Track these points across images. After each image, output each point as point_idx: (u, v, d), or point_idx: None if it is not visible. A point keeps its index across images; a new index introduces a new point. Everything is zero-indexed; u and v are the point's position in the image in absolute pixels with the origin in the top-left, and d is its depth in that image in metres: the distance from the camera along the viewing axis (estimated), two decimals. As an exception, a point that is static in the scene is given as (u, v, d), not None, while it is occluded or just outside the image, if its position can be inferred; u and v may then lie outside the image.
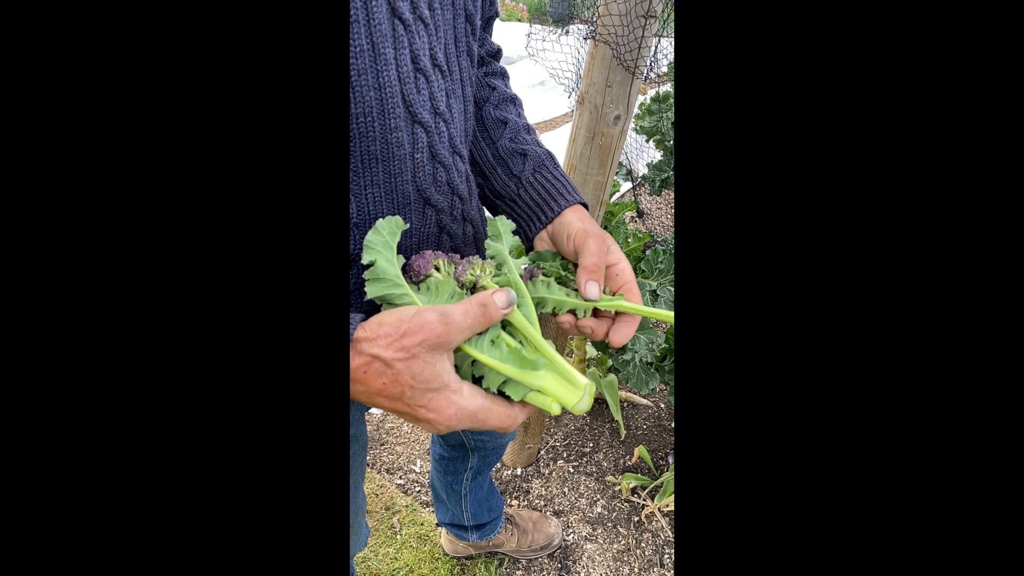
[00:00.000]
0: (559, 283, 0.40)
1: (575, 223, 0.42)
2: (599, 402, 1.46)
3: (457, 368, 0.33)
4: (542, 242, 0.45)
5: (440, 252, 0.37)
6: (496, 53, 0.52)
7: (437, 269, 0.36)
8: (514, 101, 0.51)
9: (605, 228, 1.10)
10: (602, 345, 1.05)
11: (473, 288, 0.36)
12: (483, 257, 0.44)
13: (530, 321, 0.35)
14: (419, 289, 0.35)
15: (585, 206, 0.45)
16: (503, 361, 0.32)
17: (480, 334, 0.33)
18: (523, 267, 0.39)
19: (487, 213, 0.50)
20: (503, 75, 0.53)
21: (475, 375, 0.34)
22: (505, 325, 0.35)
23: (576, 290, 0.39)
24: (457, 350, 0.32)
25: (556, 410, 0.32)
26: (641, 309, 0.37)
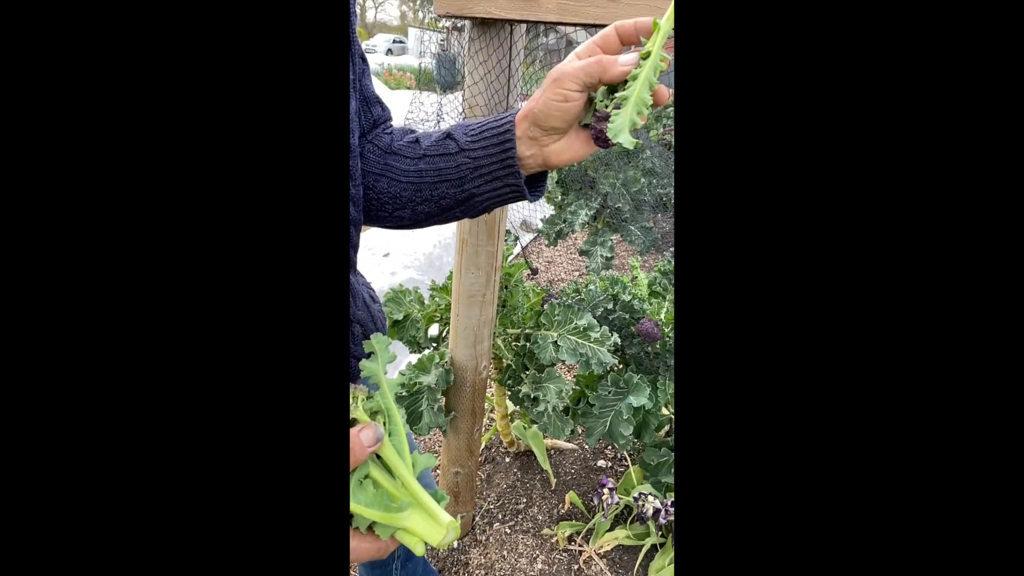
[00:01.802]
0: None
1: (538, 96, 0.43)
2: (528, 454, 1.48)
3: None
4: (534, 144, 0.45)
5: None
6: (383, 118, 0.54)
7: None
8: (412, 131, 0.53)
9: (504, 288, 1.18)
10: (516, 399, 1.09)
11: None
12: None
13: (400, 452, 0.35)
14: None
15: (513, 116, 0.46)
16: (369, 506, 0.32)
17: None
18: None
19: (372, 316, 0.50)
20: (392, 121, 0.55)
21: None
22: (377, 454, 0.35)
23: None
24: None
25: (420, 550, 0.33)
26: None
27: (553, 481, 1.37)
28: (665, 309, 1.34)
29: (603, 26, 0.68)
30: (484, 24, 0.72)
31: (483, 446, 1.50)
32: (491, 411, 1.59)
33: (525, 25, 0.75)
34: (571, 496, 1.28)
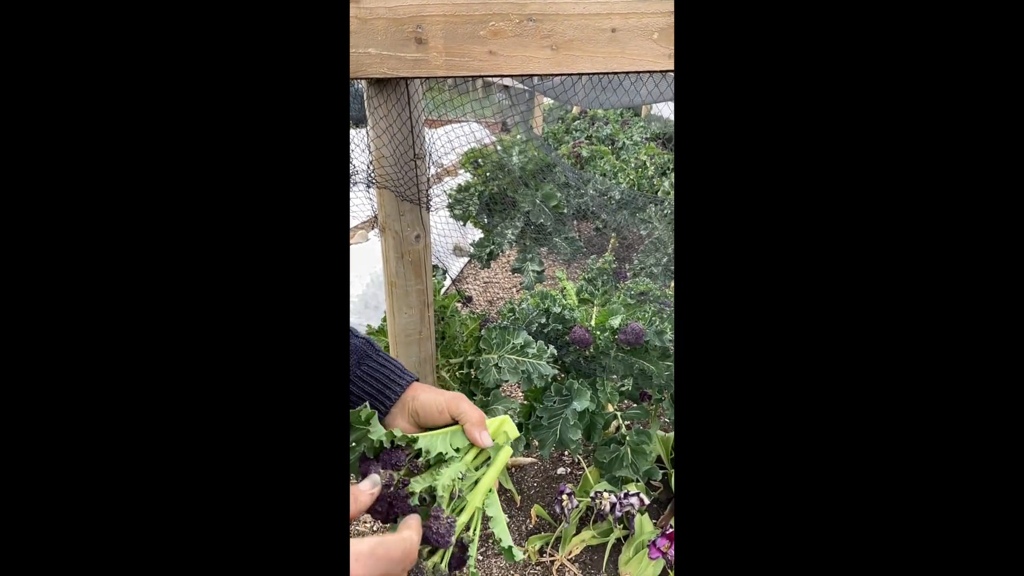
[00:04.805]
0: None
1: (437, 398, 0.47)
2: (490, 476, 1.50)
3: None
4: (400, 420, 0.48)
5: None
6: None
7: None
8: None
9: (441, 319, 1.21)
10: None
11: None
12: None
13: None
14: None
15: (416, 379, 0.50)
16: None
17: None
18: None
19: None
20: None
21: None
22: None
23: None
24: None
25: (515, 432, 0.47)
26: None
27: (518, 498, 1.40)
28: (595, 313, 1.43)
29: (486, 76, 0.74)
30: (380, 82, 0.77)
31: (445, 478, 1.50)
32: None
33: (419, 80, 0.81)
34: (536, 509, 1.31)
